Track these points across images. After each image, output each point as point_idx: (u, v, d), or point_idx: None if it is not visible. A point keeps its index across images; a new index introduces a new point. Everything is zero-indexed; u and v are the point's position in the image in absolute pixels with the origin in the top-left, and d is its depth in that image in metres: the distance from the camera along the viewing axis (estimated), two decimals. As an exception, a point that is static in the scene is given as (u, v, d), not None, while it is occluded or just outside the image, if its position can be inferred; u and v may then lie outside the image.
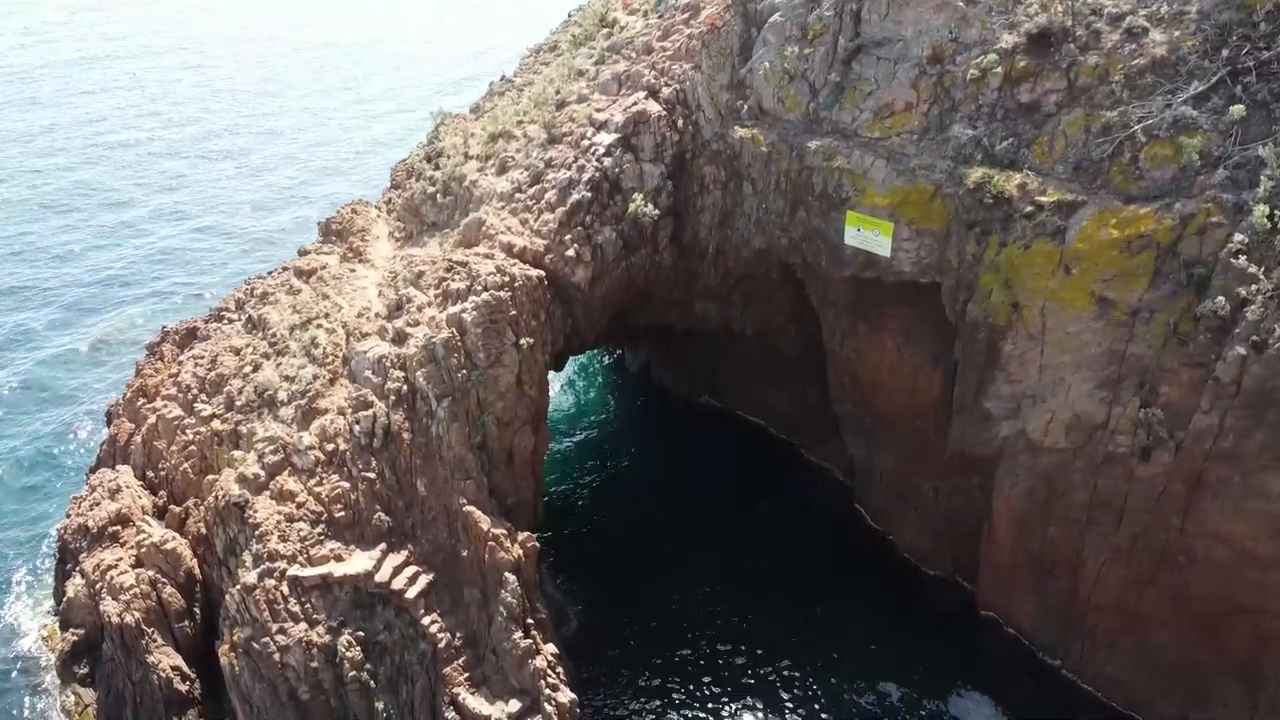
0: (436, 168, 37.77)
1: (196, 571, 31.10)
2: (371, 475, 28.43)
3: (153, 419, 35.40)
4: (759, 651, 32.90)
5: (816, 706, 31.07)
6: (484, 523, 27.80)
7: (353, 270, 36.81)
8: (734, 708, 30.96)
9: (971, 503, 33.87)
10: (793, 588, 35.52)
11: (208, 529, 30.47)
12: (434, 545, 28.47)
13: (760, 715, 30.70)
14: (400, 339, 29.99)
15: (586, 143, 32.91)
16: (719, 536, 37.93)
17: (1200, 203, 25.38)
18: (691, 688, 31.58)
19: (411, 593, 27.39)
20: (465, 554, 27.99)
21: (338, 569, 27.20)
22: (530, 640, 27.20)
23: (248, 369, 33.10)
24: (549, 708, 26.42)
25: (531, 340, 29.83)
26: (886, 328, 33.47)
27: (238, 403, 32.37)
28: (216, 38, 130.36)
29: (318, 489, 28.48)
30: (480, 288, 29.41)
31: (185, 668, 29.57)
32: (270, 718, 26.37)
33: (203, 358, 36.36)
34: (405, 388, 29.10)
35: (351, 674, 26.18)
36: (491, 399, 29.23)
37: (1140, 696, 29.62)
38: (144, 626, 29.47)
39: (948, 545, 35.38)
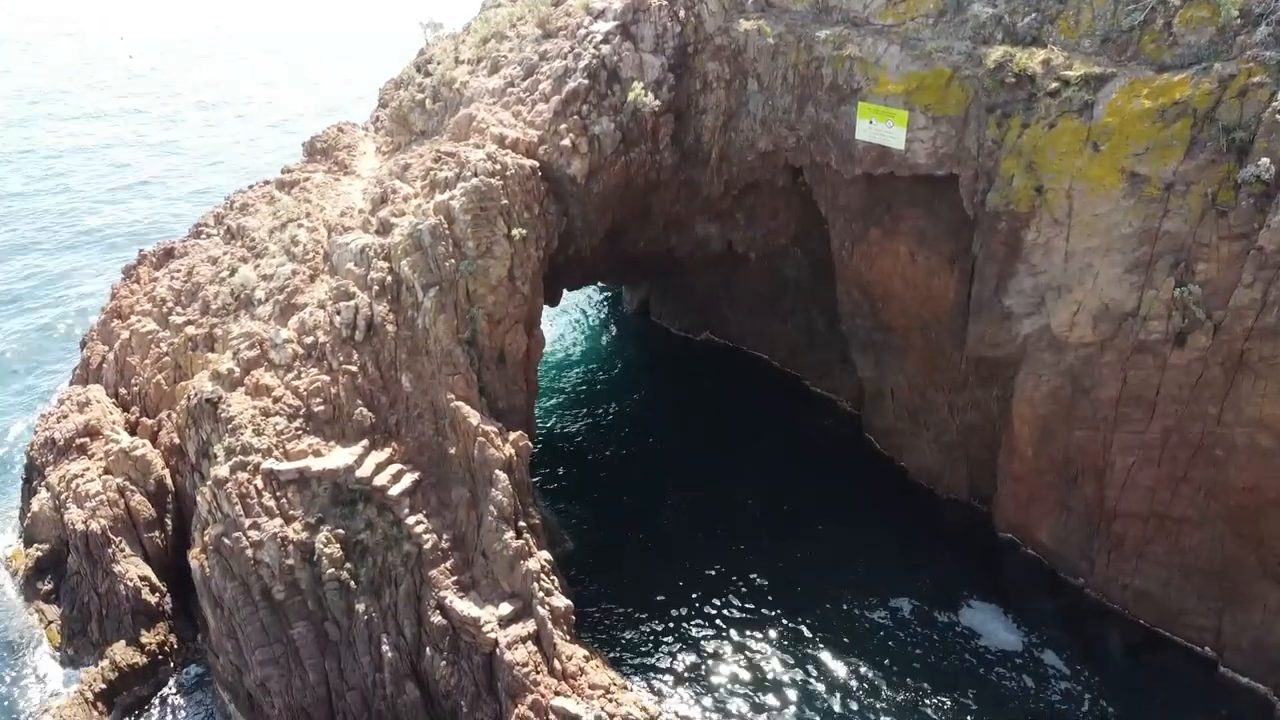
0: (426, 75, 35.96)
1: (169, 482, 29.37)
2: (353, 368, 26.62)
3: (125, 334, 33.64)
4: (764, 571, 31.16)
5: (824, 621, 29.33)
6: (473, 417, 26.01)
7: (337, 180, 35.04)
8: (739, 623, 29.20)
9: (989, 417, 32.17)
10: (799, 512, 33.82)
11: (180, 434, 28.68)
12: (420, 443, 26.66)
13: (766, 630, 28.96)
14: (385, 229, 28.20)
15: (584, 31, 31.13)
16: (722, 467, 36.19)
17: (1241, 63, 23.64)
18: (695, 605, 29.80)
19: (395, 490, 25.58)
20: (453, 451, 26.19)
21: (316, 463, 25.38)
22: (523, 541, 25.40)
23: (224, 274, 31.29)
24: (542, 611, 24.61)
25: (524, 232, 28.04)
26: (899, 231, 31.76)
27: (213, 307, 30.59)
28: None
29: (295, 383, 26.68)
30: (470, 174, 27.61)
31: (154, 579, 27.82)
32: (242, 620, 24.53)
33: (179, 271, 34.60)
34: (389, 278, 27.30)
35: (330, 571, 24.36)
36: (482, 292, 27.41)
37: (1171, 609, 27.88)
38: (110, 535, 27.76)
39: (963, 465, 33.65)
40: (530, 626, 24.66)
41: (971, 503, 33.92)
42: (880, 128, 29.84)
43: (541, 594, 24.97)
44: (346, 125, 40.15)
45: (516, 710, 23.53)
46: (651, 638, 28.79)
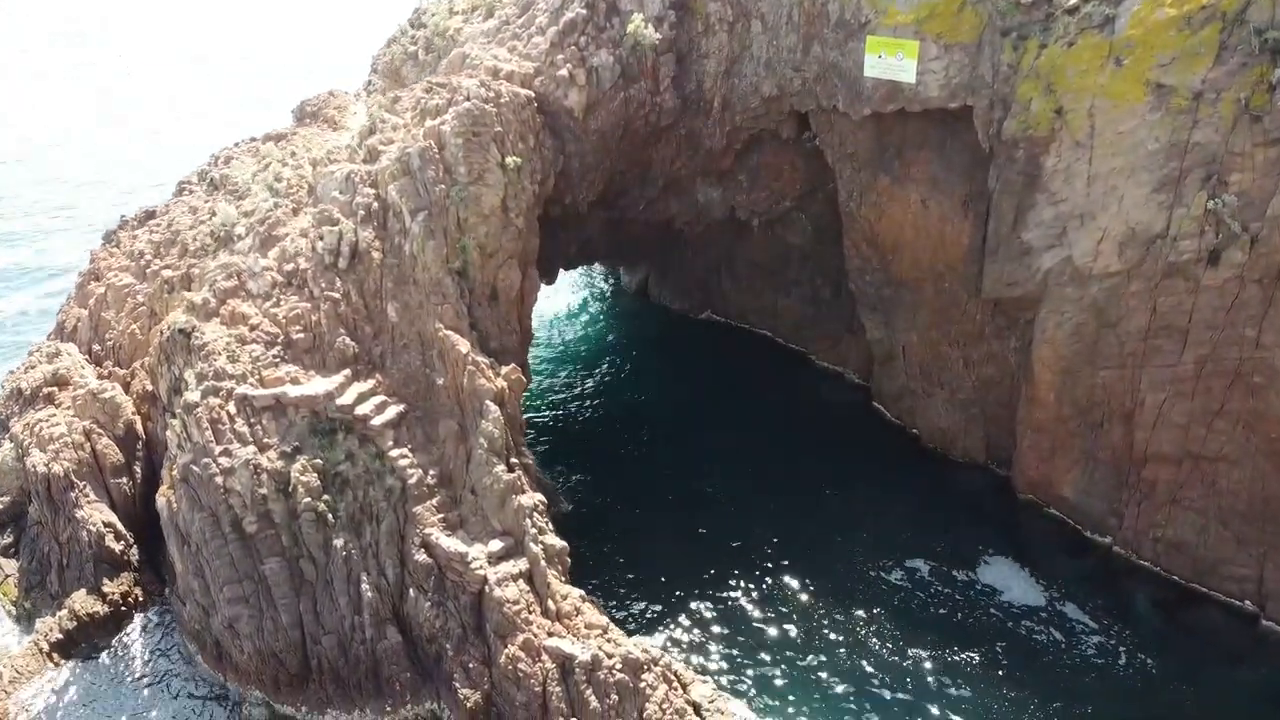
0: (420, 27, 34.93)
1: (139, 428, 27.67)
2: (336, 295, 25.06)
3: (101, 290, 32.12)
4: (769, 534, 29.38)
5: (838, 581, 27.52)
6: (462, 345, 24.42)
7: (326, 136, 33.79)
8: (745, 585, 27.35)
9: (1006, 370, 30.63)
10: (803, 479, 32.10)
11: (151, 376, 27.03)
12: (406, 375, 25.03)
13: (776, 591, 27.12)
14: (372, 157, 26.82)
15: (582, -36, 30.05)
16: (724, 439, 34.42)
17: (1271, -38, 22.53)
18: (698, 567, 27.95)
19: (378, 420, 23.89)
20: (441, 382, 24.56)
21: (294, 390, 23.69)
22: (515, 475, 23.67)
23: (205, 217, 29.87)
24: (535, 548, 22.79)
25: (519, 161, 26.68)
26: (910, 177, 30.49)
27: (192, 249, 29.11)
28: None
29: (274, 310, 25.09)
30: (462, 98, 26.33)
31: (119, 526, 25.95)
32: (210, 554, 22.66)
33: (159, 225, 33.17)
34: (376, 204, 25.87)
35: (306, 501, 22.56)
36: (474, 221, 25.95)
37: (1207, 559, 26.10)
38: (74, 479, 26.00)
39: (979, 425, 32.00)
40: (522, 564, 22.83)
41: (989, 466, 32.22)
42: (890, 61, 28.69)
43: (534, 531, 23.17)
44: (337, 90, 39.04)
45: (506, 650, 21.62)
46: (656, 598, 26.91)
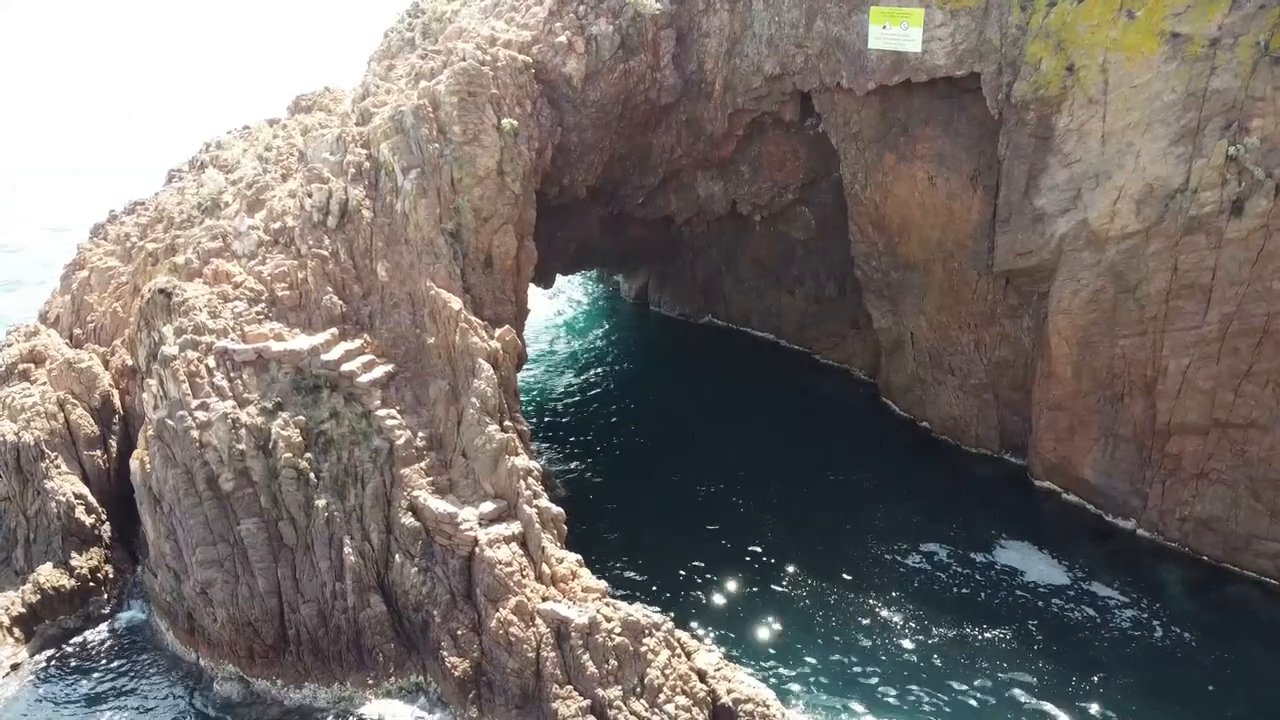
0: (417, 15, 34.53)
1: (117, 402, 26.45)
2: (324, 253, 24.08)
3: (84, 273, 31.17)
4: (777, 522, 28.05)
5: (852, 565, 26.08)
6: (454, 303, 23.35)
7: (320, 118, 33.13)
8: (753, 570, 25.89)
9: (1019, 351, 29.59)
10: (816, 471, 30.82)
11: (130, 346, 25.92)
12: (395, 335, 23.94)
13: (790, 577, 25.65)
14: (364, 119, 26.07)
15: (581, -63, 29.67)
16: (729, 434, 33.14)
17: (1286, -98, 22.05)
18: (704, 554, 26.49)
19: (365, 378, 22.72)
20: (431, 341, 23.43)
21: (276, 345, 22.55)
22: (507, 435, 22.42)
23: (191, 190, 29.03)
24: (529, 510, 21.46)
25: (515, 125, 25.92)
26: (916, 154, 29.74)
27: (177, 221, 28.20)
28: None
29: (259, 268, 24.08)
30: (457, 59, 25.69)
31: (90, 498, 24.57)
32: (184, 513, 21.28)
33: (147, 209, 32.35)
34: (367, 163, 25.05)
35: (287, 456, 21.25)
36: (468, 183, 25.09)
37: (1239, 535, 24.75)
38: (45, 449, 24.71)
39: (993, 410, 30.81)
40: (515, 528, 21.48)
41: (1003, 455, 30.97)
42: (894, 32, 28.14)
43: (529, 493, 21.87)
44: (333, 86, 38.53)
45: (497, 615, 20.15)
46: (661, 586, 25.29)
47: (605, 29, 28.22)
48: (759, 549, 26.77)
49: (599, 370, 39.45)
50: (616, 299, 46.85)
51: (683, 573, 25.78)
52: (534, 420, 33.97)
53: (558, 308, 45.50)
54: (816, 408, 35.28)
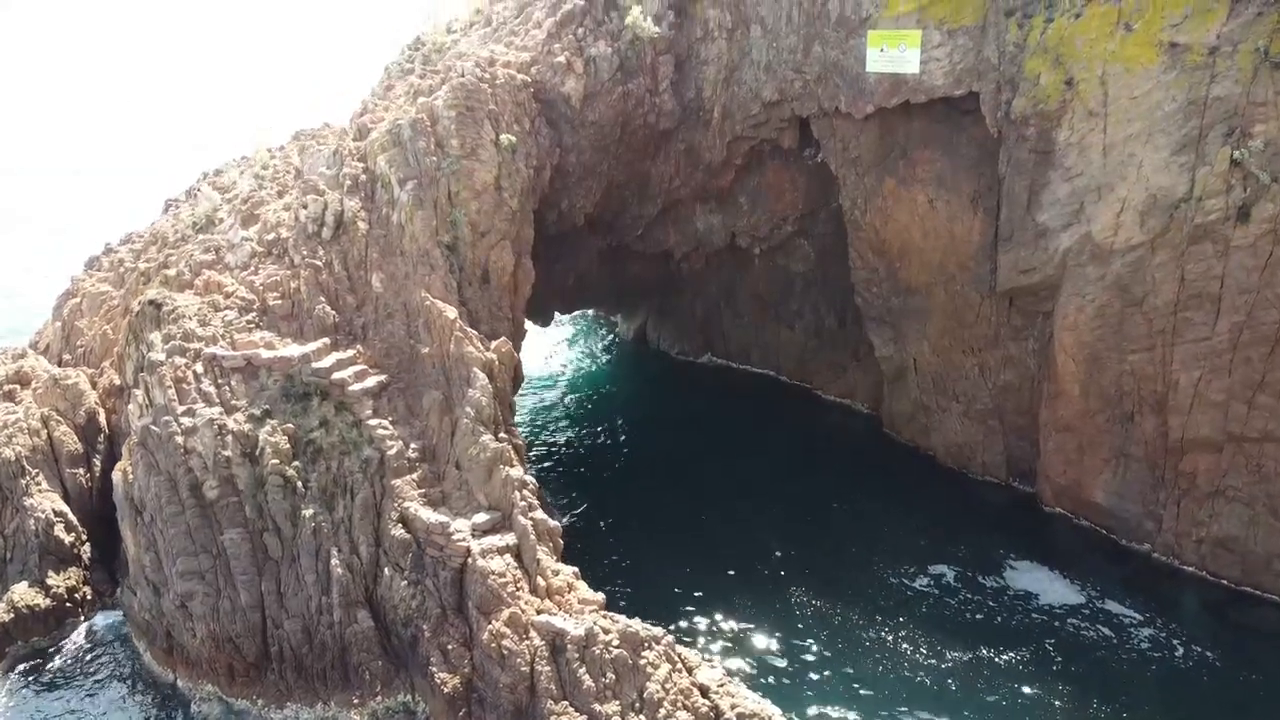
0: (416, 49, 34.76)
1: (103, 420, 25.81)
2: (317, 263, 23.69)
3: (77, 300, 30.79)
4: (783, 548, 27.08)
5: (859, 590, 25.14)
6: (449, 312, 22.90)
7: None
8: (758, 595, 24.93)
9: (1025, 375, 29.06)
10: (820, 500, 29.91)
11: (118, 364, 25.37)
12: (389, 346, 23.42)
13: (795, 600, 24.72)
14: (361, 134, 25.94)
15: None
16: (731, 469, 32.10)
17: (1281, -90, 22.23)
18: (709, 580, 25.51)
19: (357, 387, 22.12)
20: (426, 351, 22.91)
21: (266, 352, 22.01)
22: (502, 445, 21.74)
23: (187, 211, 28.80)
24: (524, 521, 20.69)
25: (514, 140, 25.79)
26: (916, 178, 29.62)
27: (172, 240, 27.90)
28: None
29: (251, 278, 23.66)
30: (456, 75, 25.67)
31: (71, 517, 23.78)
32: (165, 524, 20.48)
33: (141, 236, 32.10)
34: (364, 176, 24.82)
35: (274, 464, 20.54)
36: (465, 196, 24.84)
37: (1259, 556, 23.93)
38: (26, 465, 24.01)
39: (999, 437, 30.16)
40: (509, 539, 20.67)
41: (1010, 483, 30.24)
42: (892, 54, 28.23)
43: (524, 504, 21.11)
44: (332, 123, 38.67)
45: (490, 627, 19.24)
46: (662, 612, 24.13)
47: (604, 50, 28.31)
48: (764, 572, 25.91)
49: (597, 407, 38.81)
50: (614, 340, 46.42)
51: (684, 598, 24.84)
52: (531, 457, 33.18)
53: (552, 344, 45.02)
54: (818, 440, 34.61)
